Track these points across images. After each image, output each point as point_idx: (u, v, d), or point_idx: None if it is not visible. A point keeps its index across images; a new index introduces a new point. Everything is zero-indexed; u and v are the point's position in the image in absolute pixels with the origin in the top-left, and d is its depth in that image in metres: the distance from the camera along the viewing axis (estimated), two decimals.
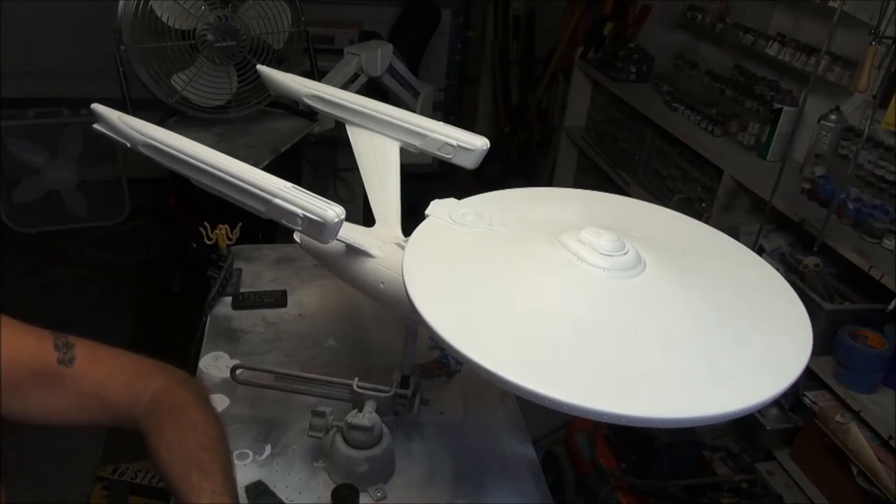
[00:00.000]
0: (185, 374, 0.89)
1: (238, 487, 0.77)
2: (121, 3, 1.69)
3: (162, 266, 2.87)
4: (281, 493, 0.93)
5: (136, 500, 1.95)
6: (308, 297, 1.31)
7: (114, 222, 3.20)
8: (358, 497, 0.91)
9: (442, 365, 1.16)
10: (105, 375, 0.79)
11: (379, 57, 2.30)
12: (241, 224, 1.27)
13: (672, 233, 0.82)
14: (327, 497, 0.92)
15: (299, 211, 0.67)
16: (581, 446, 1.84)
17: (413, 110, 1.70)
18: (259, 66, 1.06)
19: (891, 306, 1.60)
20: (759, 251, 1.97)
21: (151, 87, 1.79)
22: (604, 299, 0.64)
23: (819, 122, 1.93)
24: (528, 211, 0.81)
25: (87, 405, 0.78)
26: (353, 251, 0.80)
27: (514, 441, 1.05)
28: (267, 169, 0.73)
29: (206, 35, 1.78)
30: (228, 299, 1.27)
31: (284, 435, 1.01)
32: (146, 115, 0.86)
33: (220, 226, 1.26)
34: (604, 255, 0.66)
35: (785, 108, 2.09)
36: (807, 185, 1.94)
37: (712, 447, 1.96)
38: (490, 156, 0.90)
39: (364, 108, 0.93)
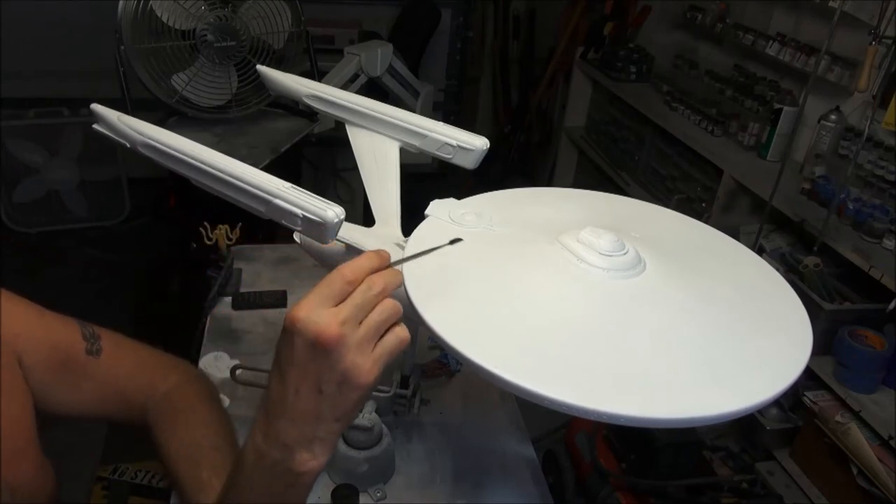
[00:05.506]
0: (198, 371, 0.89)
1: None
2: (121, 3, 1.69)
3: (162, 266, 2.88)
4: None
5: (136, 501, 1.95)
6: None
7: (114, 222, 3.20)
8: (358, 497, 0.91)
9: (442, 365, 1.16)
10: (128, 369, 0.79)
11: (379, 57, 2.30)
12: (241, 224, 1.27)
13: (672, 233, 0.82)
14: (327, 497, 0.92)
15: (299, 211, 0.67)
16: (581, 446, 1.84)
17: (413, 110, 1.70)
18: (259, 66, 1.06)
19: (891, 306, 1.60)
20: (759, 251, 1.97)
21: (151, 87, 1.79)
22: (603, 299, 0.64)
23: (819, 122, 1.94)
24: (528, 211, 0.81)
25: (108, 398, 0.77)
26: (353, 251, 0.80)
27: (514, 441, 1.05)
28: (267, 169, 0.73)
29: (206, 35, 1.78)
30: (228, 299, 1.27)
31: None
32: (146, 115, 0.86)
33: (220, 226, 1.26)
34: (603, 255, 0.66)
35: (785, 108, 2.09)
36: (807, 185, 1.94)
37: (712, 447, 1.96)
38: (490, 156, 0.90)
39: (364, 108, 0.93)
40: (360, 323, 0.55)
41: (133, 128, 0.77)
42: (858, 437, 1.61)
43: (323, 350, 0.53)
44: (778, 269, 1.13)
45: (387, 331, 0.57)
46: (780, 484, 1.85)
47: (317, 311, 0.53)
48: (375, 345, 0.56)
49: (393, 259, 0.59)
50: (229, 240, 1.27)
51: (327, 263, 0.86)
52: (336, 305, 0.54)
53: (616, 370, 0.57)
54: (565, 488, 1.86)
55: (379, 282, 0.56)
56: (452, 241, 0.68)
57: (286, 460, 0.57)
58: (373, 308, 0.55)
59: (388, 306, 0.56)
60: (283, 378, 0.56)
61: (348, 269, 0.55)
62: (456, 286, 0.65)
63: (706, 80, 2.57)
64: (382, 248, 0.79)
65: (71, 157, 2.99)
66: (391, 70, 2.40)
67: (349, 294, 0.55)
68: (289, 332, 0.54)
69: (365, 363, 0.54)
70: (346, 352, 0.53)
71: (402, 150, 0.92)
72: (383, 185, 0.88)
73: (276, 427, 0.57)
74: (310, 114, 2.01)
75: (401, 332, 0.57)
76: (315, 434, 0.56)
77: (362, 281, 0.55)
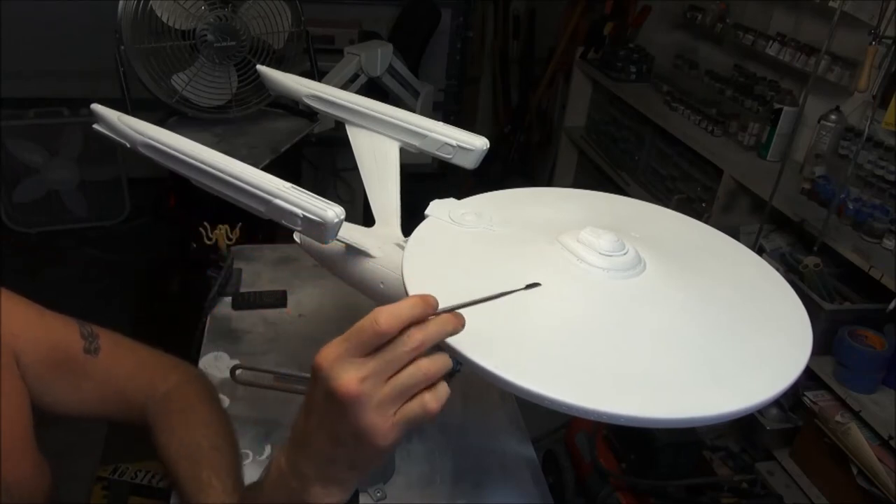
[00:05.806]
0: (198, 371, 0.89)
1: None
2: (121, 3, 1.69)
3: (162, 266, 2.88)
4: None
5: (136, 501, 1.95)
6: (308, 297, 1.31)
7: (114, 222, 3.20)
8: (358, 497, 0.91)
9: None
10: (128, 369, 0.79)
11: (379, 57, 2.30)
12: (241, 224, 1.27)
13: (672, 233, 0.82)
14: None
15: (299, 211, 0.67)
16: (581, 446, 1.84)
17: (413, 110, 1.70)
18: (259, 66, 1.06)
19: (891, 306, 1.60)
20: (759, 251, 1.97)
21: (151, 87, 1.79)
22: (603, 299, 0.64)
23: (819, 122, 1.94)
24: (528, 211, 0.81)
25: (108, 397, 0.78)
26: (353, 251, 0.80)
27: (514, 441, 1.05)
28: (267, 169, 0.73)
29: (206, 35, 1.79)
30: (228, 299, 1.27)
31: (285, 435, 1.01)
32: (146, 115, 0.86)
33: (220, 226, 1.26)
34: (603, 255, 0.66)
35: (785, 108, 2.09)
36: (807, 185, 1.94)
37: (712, 447, 1.96)
38: (490, 156, 0.90)
39: (364, 108, 0.93)
40: (388, 380, 0.50)
41: (133, 128, 0.77)
42: (858, 437, 1.61)
43: (340, 405, 0.50)
44: (778, 269, 1.13)
45: (417, 394, 0.51)
46: (780, 484, 1.85)
47: (341, 362, 0.50)
48: (400, 408, 0.51)
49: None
50: (229, 240, 1.27)
51: (327, 263, 0.86)
52: (365, 356, 0.50)
53: (616, 370, 0.57)
54: (565, 488, 1.86)
55: (417, 336, 0.50)
56: (529, 286, 0.61)
57: (302, 490, 0.57)
58: (405, 365, 0.50)
59: (422, 368, 0.50)
60: (307, 415, 0.55)
61: (384, 316, 0.49)
62: (456, 286, 0.65)
63: (706, 80, 2.57)
64: (383, 247, 0.79)
65: (71, 157, 2.99)
66: (391, 70, 2.40)
67: (380, 346, 0.49)
68: (314, 375, 0.52)
69: (383, 425, 0.50)
70: (363, 411, 0.50)
71: (402, 150, 0.92)
72: (383, 185, 0.88)
73: (296, 456, 0.57)
74: (310, 114, 2.01)
75: (430, 402, 0.51)
76: (329, 474, 0.56)
77: (398, 331, 0.49)
